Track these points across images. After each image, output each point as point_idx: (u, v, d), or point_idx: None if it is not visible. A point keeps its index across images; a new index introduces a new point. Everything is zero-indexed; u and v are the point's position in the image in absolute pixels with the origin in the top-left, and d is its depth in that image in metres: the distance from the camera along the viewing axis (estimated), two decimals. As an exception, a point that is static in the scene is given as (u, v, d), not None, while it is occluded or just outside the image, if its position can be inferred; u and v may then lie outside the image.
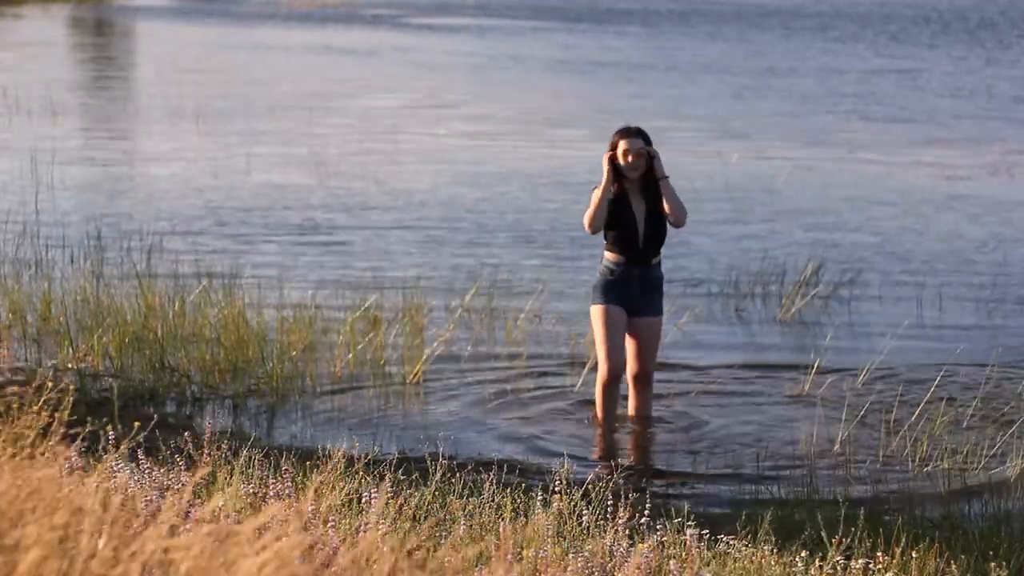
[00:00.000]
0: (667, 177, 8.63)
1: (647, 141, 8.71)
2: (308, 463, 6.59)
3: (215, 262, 12.69)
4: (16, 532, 3.50)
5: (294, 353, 9.76)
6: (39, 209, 15.11)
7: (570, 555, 5.44)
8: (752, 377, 10.01)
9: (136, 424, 5.78)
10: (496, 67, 35.79)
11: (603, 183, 8.61)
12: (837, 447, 8.48)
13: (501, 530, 5.67)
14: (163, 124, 23.89)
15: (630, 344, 8.70)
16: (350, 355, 9.91)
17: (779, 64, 36.08)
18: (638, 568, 5.27)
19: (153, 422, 6.71)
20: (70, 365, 9.43)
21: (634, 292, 8.64)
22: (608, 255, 8.71)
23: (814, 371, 9.68)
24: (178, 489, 5.63)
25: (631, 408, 8.87)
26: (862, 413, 9.05)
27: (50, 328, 10.15)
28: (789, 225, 15.49)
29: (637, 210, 8.66)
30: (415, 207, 16.30)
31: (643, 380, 8.78)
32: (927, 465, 8.23)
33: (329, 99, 28.09)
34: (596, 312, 8.66)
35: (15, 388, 4.68)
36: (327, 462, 6.54)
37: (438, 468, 6.59)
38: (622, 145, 8.67)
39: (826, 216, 16.04)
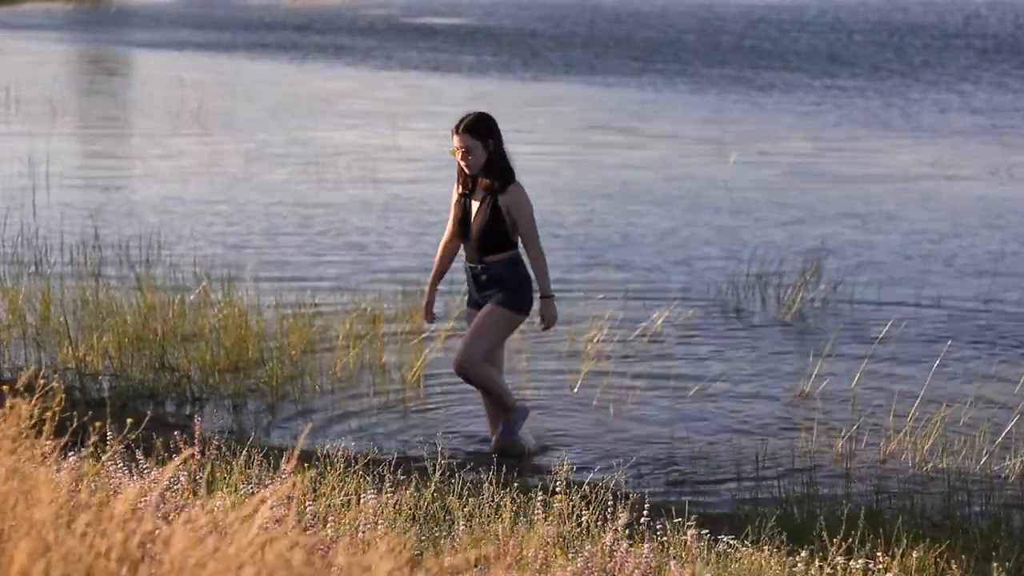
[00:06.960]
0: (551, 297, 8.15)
1: (482, 135, 7.91)
2: (308, 463, 6.58)
3: (215, 262, 12.68)
4: (6, 526, 3.50)
5: (294, 353, 9.76)
6: (38, 209, 15.10)
7: (570, 555, 5.43)
8: (752, 377, 10.00)
9: (133, 423, 5.78)
10: (496, 68, 35.77)
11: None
12: (837, 447, 8.47)
13: (500, 531, 5.66)
14: (163, 125, 23.88)
15: None
16: (350, 355, 9.90)
17: (777, 69, 36.07)
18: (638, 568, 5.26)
19: (149, 420, 6.71)
20: (70, 365, 9.42)
21: (473, 290, 8.24)
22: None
23: (814, 371, 9.66)
24: (176, 488, 5.62)
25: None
26: (862, 413, 9.04)
27: (50, 328, 10.13)
28: (789, 225, 15.48)
29: (473, 206, 8.09)
30: (415, 207, 16.29)
31: (459, 368, 8.12)
32: (927, 465, 8.23)
33: (329, 101, 28.08)
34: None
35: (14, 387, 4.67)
36: (327, 462, 6.53)
37: (437, 468, 6.58)
38: (454, 141, 7.96)
39: (826, 216, 16.03)
